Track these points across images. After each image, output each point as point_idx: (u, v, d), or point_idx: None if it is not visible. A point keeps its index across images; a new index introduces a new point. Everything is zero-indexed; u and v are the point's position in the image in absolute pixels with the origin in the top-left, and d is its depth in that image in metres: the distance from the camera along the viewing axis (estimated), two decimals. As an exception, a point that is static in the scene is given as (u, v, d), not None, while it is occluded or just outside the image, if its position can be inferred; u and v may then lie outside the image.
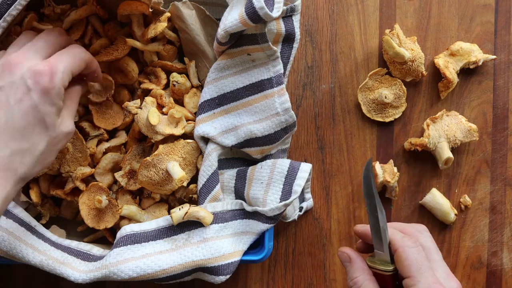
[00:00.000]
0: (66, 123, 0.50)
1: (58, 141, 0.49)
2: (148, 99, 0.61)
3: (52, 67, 0.47)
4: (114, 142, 0.63)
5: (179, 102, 0.64)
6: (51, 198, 0.64)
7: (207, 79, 0.60)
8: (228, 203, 0.60)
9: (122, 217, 0.62)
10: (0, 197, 0.43)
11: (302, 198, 0.68)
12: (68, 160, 0.61)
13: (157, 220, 0.59)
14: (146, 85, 0.62)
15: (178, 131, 0.60)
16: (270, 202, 0.57)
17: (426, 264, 0.47)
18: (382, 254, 0.49)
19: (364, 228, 0.53)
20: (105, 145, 0.63)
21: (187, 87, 0.62)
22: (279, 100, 0.58)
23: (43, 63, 0.47)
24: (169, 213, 0.59)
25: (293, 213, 0.66)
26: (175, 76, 0.61)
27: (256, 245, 0.61)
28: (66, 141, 0.51)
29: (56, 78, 0.47)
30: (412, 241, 0.48)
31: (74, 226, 0.65)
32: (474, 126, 0.68)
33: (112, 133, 0.64)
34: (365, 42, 0.70)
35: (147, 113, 0.59)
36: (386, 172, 0.68)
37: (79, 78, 0.54)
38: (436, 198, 0.69)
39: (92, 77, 0.56)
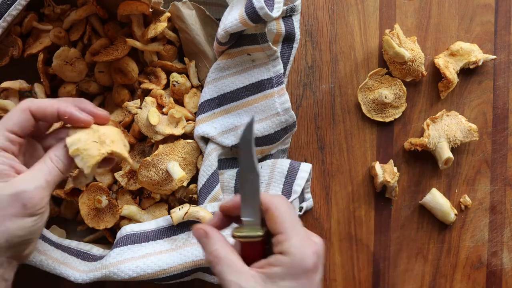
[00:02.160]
0: (15, 184, 0.44)
1: (5, 205, 0.44)
2: (148, 99, 0.61)
3: None
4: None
5: (179, 102, 0.64)
6: (51, 198, 0.64)
7: (207, 79, 0.60)
8: (228, 203, 0.60)
9: (122, 217, 0.62)
10: None
11: (302, 198, 0.68)
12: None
13: (157, 220, 0.59)
14: (146, 85, 0.62)
15: (178, 131, 0.60)
16: (270, 202, 0.57)
17: (298, 220, 0.45)
18: (251, 221, 0.46)
19: (231, 202, 0.48)
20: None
21: (187, 87, 0.62)
22: (279, 100, 0.58)
23: None
24: (169, 213, 0.59)
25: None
26: (175, 76, 0.61)
27: (256, 245, 0.61)
28: (21, 206, 0.44)
29: None
30: (283, 198, 0.46)
31: (74, 226, 0.65)
32: (474, 126, 0.68)
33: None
34: (365, 42, 0.70)
35: (147, 113, 0.59)
36: (386, 172, 0.68)
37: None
38: (436, 198, 0.69)
39: (74, 119, 0.47)
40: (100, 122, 0.49)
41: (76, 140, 0.46)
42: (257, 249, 0.46)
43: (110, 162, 0.51)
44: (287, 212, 0.45)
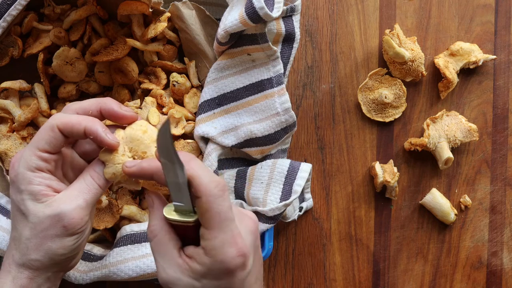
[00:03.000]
0: (54, 205, 0.44)
1: (45, 227, 0.44)
2: (148, 99, 0.61)
3: (17, 156, 0.46)
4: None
5: (179, 102, 0.64)
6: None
7: (207, 79, 0.60)
8: (228, 203, 0.60)
9: (122, 217, 0.62)
10: (8, 279, 0.45)
11: (302, 198, 0.68)
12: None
13: (157, 220, 0.59)
14: (146, 85, 0.62)
15: (178, 131, 0.60)
16: (270, 202, 0.57)
17: (228, 217, 0.41)
18: (182, 205, 0.42)
19: (152, 165, 0.44)
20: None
21: (187, 87, 0.62)
22: (279, 100, 0.58)
23: (16, 155, 0.47)
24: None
25: (293, 213, 0.66)
26: (175, 76, 0.61)
27: (256, 245, 0.61)
28: (62, 227, 0.44)
29: (15, 165, 0.46)
30: (219, 188, 0.41)
31: (74, 226, 0.65)
32: (474, 126, 0.68)
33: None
34: (365, 42, 0.70)
35: (147, 113, 0.59)
36: (386, 172, 0.68)
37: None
38: (436, 198, 0.69)
39: (99, 140, 0.45)
40: (129, 122, 0.47)
41: (110, 164, 0.45)
42: (190, 231, 0.43)
43: None
44: (217, 207, 0.41)
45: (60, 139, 0.45)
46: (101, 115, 0.47)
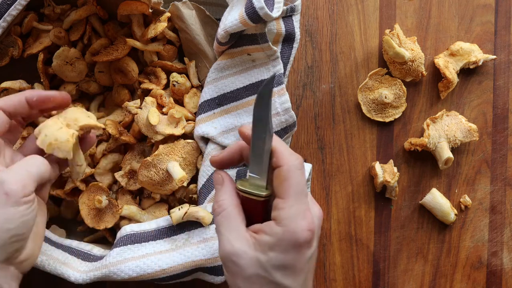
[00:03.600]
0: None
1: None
2: (148, 99, 0.61)
3: None
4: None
5: (179, 102, 0.64)
6: (51, 198, 0.64)
7: (207, 79, 0.60)
8: (228, 203, 0.60)
9: (122, 217, 0.62)
10: None
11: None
12: (68, 160, 0.61)
13: (157, 220, 0.59)
14: (146, 85, 0.62)
15: (178, 131, 0.60)
16: (270, 202, 0.57)
17: (305, 191, 0.43)
18: (258, 178, 0.44)
19: (221, 156, 0.47)
20: (105, 145, 0.63)
21: (187, 87, 0.62)
22: (279, 100, 0.58)
23: None
24: (169, 213, 0.59)
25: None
26: (175, 76, 0.61)
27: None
28: (4, 195, 0.43)
29: None
30: (299, 162, 0.43)
31: (74, 226, 0.65)
32: (474, 126, 0.68)
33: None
34: (365, 42, 0.70)
35: (147, 113, 0.59)
36: (386, 172, 0.68)
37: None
38: (436, 198, 0.69)
39: (43, 97, 0.48)
40: (63, 104, 0.49)
41: (43, 133, 0.46)
42: (258, 207, 0.44)
43: (89, 140, 0.51)
44: (297, 178, 0.42)
45: (5, 121, 0.47)
46: (28, 108, 0.48)
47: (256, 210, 0.45)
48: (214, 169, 0.59)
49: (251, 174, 0.44)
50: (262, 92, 0.42)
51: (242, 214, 0.45)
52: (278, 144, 0.44)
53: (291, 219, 0.41)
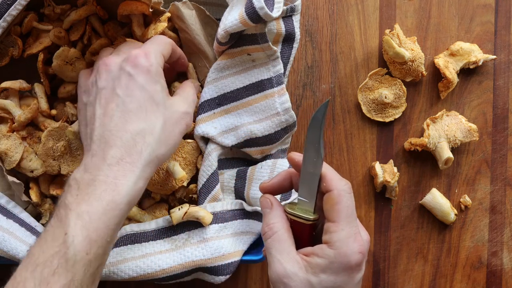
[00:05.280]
0: (180, 104, 0.52)
1: (175, 121, 0.50)
2: (148, 99, 0.61)
3: (144, 50, 0.50)
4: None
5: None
6: (51, 198, 0.64)
7: (207, 79, 0.60)
8: (228, 203, 0.60)
9: (122, 217, 0.62)
10: (131, 181, 0.45)
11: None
12: (68, 160, 0.61)
13: (157, 220, 0.59)
14: (146, 85, 0.62)
15: (178, 131, 0.60)
16: (270, 202, 0.57)
17: (354, 214, 0.44)
18: (306, 202, 0.46)
19: (271, 183, 0.49)
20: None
21: None
22: (279, 100, 0.58)
23: (135, 50, 0.50)
24: (169, 213, 0.59)
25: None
26: (176, 87, 0.61)
27: (256, 245, 0.61)
28: (186, 125, 0.52)
29: (151, 57, 0.49)
30: (348, 186, 0.45)
31: (74, 226, 0.65)
32: (474, 126, 0.68)
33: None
34: (365, 42, 0.70)
35: (147, 113, 0.59)
36: (386, 172, 0.68)
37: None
38: (436, 198, 0.69)
39: (180, 65, 0.59)
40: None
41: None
42: (305, 230, 0.46)
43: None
44: (347, 202, 0.44)
45: (169, 53, 0.54)
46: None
47: (303, 234, 0.46)
48: (214, 169, 0.60)
49: (300, 198, 0.46)
50: (315, 116, 0.44)
51: (292, 237, 0.46)
52: (327, 169, 0.45)
53: (343, 241, 0.42)
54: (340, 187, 0.44)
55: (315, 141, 0.44)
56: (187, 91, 0.56)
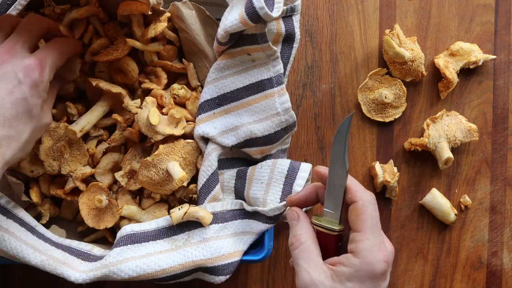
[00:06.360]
0: (47, 115, 0.53)
1: (39, 131, 0.52)
2: (149, 99, 0.61)
3: (41, 62, 0.50)
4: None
5: (181, 106, 0.64)
6: (51, 198, 0.64)
7: (207, 79, 0.60)
8: (228, 203, 0.60)
9: (122, 217, 0.62)
10: None
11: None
12: (68, 160, 0.61)
13: (157, 220, 0.59)
14: (147, 84, 0.62)
15: (178, 131, 0.60)
16: (270, 202, 0.57)
17: (379, 224, 0.46)
18: (332, 213, 0.47)
19: (297, 196, 0.51)
20: (105, 145, 0.63)
21: (188, 97, 0.63)
22: (279, 100, 0.58)
23: (33, 58, 0.50)
24: (169, 213, 0.59)
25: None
26: (175, 89, 0.61)
27: (256, 245, 0.61)
28: (44, 132, 0.56)
29: (45, 72, 0.50)
30: (373, 197, 0.47)
31: (74, 226, 0.65)
32: (474, 126, 0.68)
33: (111, 130, 0.64)
34: (365, 42, 0.70)
35: (148, 113, 0.59)
36: (386, 172, 0.68)
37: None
38: (436, 198, 0.69)
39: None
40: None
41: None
42: (331, 241, 0.47)
43: None
44: (371, 212, 0.45)
45: (63, 63, 0.54)
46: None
47: (329, 245, 0.47)
48: (214, 169, 0.60)
49: (326, 210, 0.48)
50: (340, 129, 0.46)
51: (318, 248, 0.47)
52: (352, 181, 0.47)
53: (368, 250, 0.44)
54: (365, 198, 0.46)
55: (340, 154, 0.46)
56: (53, 95, 0.56)
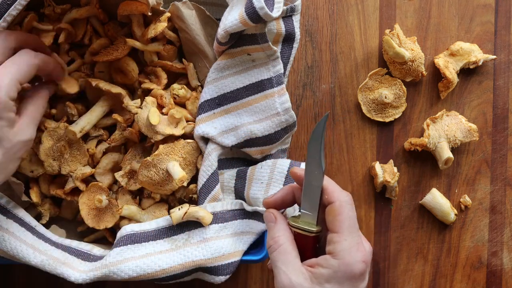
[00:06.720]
0: (24, 131, 0.50)
1: (17, 150, 0.50)
2: (149, 99, 0.61)
3: None
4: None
5: (181, 106, 0.64)
6: (51, 198, 0.64)
7: (207, 79, 0.60)
8: (228, 203, 0.60)
9: (122, 217, 0.62)
10: None
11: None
12: (68, 160, 0.61)
13: (157, 220, 0.59)
14: (147, 84, 0.62)
15: (178, 131, 0.60)
16: (270, 202, 0.57)
17: (356, 225, 0.45)
18: (309, 215, 0.47)
19: (273, 198, 0.51)
20: (105, 145, 0.63)
21: (188, 97, 0.63)
22: (279, 100, 0.58)
23: None
24: (169, 213, 0.59)
25: (293, 213, 0.66)
26: (175, 89, 0.61)
27: (256, 245, 0.61)
28: (27, 148, 0.51)
29: (1, 92, 0.47)
30: (350, 198, 0.46)
31: (74, 226, 0.65)
32: (474, 126, 0.68)
33: (111, 130, 0.64)
34: (365, 42, 0.70)
35: (148, 113, 0.59)
36: (386, 172, 0.68)
37: (46, 81, 0.56)
38: (436, 198, 0.69)
39: (56, 76, 0.57)
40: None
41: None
42: (309, 243, 0.47)
43: None
44: (349, 213, 0.45)
45: (32, 76, 0.50)
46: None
47: (307, 246, 0.47)
48: (214, 169, 0.60)
49: (303, 211, 0.47)
50: (316, 130, 0.46)
51: (296, 249, 0.47)
52: (329, 182, 0.47)
53: (346, 251, 0.44)
54: (341, 198, 0.45)
55: (315, 154, 0.46)
56: (30, 110, 0.52)
